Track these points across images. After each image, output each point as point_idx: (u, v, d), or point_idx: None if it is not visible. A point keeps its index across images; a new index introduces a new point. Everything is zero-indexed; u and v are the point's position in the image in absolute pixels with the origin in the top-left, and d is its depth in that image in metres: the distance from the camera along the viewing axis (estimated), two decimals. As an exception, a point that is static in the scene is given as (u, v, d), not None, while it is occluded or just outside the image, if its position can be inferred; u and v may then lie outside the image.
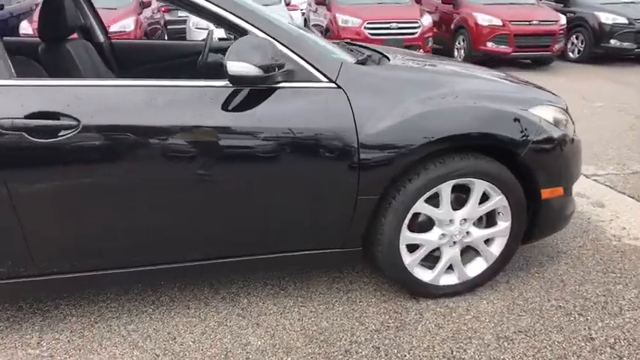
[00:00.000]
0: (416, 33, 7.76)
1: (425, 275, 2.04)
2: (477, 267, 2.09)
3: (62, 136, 1.51)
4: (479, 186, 1.92)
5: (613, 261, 2.37)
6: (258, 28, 1.68)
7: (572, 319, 1.97)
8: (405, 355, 1.78)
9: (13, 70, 1.54)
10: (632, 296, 2.11)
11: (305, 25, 9.32)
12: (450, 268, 2.06)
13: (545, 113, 1.99)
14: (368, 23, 7.69)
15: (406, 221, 1.90)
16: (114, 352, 1.77)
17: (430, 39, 8.06)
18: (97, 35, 2.67)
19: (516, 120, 1.89)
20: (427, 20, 8.06)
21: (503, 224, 2.02)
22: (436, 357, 1.78)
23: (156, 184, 1.65)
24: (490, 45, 7.88)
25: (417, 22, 7.82)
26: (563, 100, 2.19)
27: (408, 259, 1.98)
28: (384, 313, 2.01)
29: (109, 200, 1.63)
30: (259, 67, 1.50)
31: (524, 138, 1.89)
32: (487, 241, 2.07)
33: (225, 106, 1.62)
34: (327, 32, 8.16)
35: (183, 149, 1.61)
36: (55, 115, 1.52)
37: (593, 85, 6.68)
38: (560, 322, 1.95)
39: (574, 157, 2.12)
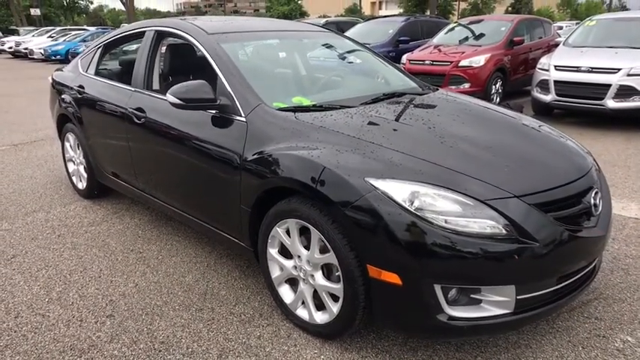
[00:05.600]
0: None
1: (286, 296, 2.32)
2: (325, 316, 2.15)
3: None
4: (314, 233, 2.05)
5: None
6: (223, 74, 2.57)
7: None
8: (204, 330, 2.29)
9: None
10: None
11: None
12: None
13: (399, 191, 1.83)
14: None
15: (270, 240, 2.29)
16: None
17: None
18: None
19: (333, 179, 1.94)
20: None
21: (341, 284, 2.01)
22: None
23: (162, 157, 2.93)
24: None
25: None
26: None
27: (275, 273, 2.34)
28: (257, 301, 2.46)
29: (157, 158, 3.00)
30: (180, 99, 2.42)
31: (339, 200, 1.90)
32: (336, 298, 2.09)
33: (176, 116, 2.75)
34: None
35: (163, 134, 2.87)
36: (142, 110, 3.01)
37: None
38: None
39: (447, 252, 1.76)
